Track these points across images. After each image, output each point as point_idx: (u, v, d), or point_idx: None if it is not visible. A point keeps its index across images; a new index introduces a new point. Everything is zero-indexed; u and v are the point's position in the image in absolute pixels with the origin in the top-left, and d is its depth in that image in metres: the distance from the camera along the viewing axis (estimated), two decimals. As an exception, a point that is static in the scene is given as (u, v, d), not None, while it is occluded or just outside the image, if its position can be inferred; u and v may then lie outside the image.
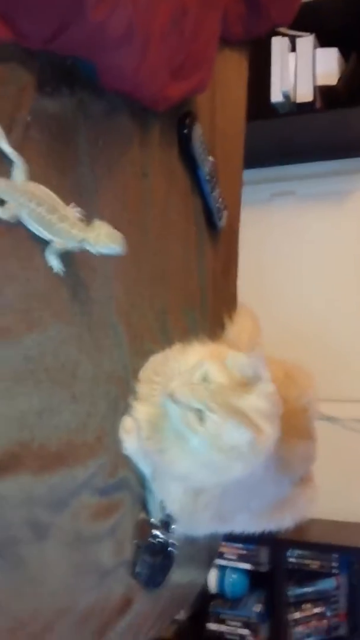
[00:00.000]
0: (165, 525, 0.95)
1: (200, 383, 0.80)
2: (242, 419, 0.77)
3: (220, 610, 2.27)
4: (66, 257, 0.78)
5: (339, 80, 2.08)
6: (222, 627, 2.25)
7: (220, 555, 2.21)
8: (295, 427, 0.94)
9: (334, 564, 2.20)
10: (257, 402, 0.79)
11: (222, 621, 2.26)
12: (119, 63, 0.80)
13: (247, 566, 2.27)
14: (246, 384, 0.80)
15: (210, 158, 1.08)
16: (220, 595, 2.30)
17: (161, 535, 0.94)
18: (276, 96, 2.12)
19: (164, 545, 0.95)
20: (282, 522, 1.02)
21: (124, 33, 0.75)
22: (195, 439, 0.80)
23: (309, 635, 2.18)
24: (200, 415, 0.78)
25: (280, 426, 0.82)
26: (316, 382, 1.03)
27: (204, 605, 2.27)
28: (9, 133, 0.71)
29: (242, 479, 0.83)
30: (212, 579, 2.27)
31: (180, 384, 0.80)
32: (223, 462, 0.80)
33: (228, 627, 2.25)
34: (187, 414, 0.79)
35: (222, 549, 2.20)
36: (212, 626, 2.26)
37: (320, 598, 2.19)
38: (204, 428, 0.79)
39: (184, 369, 0.84)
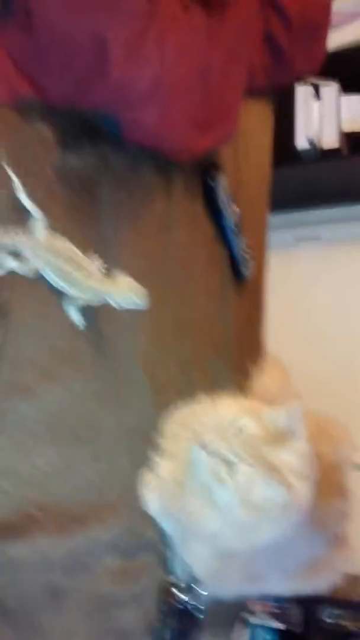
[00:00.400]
0: (191, 588, 0.91)
1: (234, 434, 0.77)
2: (274, 473, 0.74)
3: (252, 672, 2.17)
4: (88, 309, 0.77)
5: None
6: None
7: (251, 614, 2.12)
8: (329, 483, 0.90)
9: (372, 624, 2.10)
10: (289, 458, 0.76)
11: None
12: (142, 117, 0.79)
13: (279, 625, 2.18)
14: (280, 438, 0.77)
15: (235, 207, 1.08)
16: (252, 655, 2.20)
17: (187, 599, 0.90)
18: (301, 142, 2.13)
19: (190, 610, 0.91)
20: (316, 583, 0.97)
21: (149, 89, 0.75)
22: (224, 492, 0.76)
23: None
24: (230, 467, 0.75)
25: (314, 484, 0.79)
26: (351, 435, 0.99)
27: (235, 666, 2.17)
28: (31, 188, 0.71)
29: (274, 539, 0.79)
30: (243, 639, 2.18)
31: (214, 435, 0.77)
32: (252, 521, 0.76)
33: None
34: (217, 465, 0.76)
35: (253, 607, 2.12)
36: None
37: (358, 661, 2.08)
38: (233, 480, 0.75)
39: (218, 423, 0.81)
